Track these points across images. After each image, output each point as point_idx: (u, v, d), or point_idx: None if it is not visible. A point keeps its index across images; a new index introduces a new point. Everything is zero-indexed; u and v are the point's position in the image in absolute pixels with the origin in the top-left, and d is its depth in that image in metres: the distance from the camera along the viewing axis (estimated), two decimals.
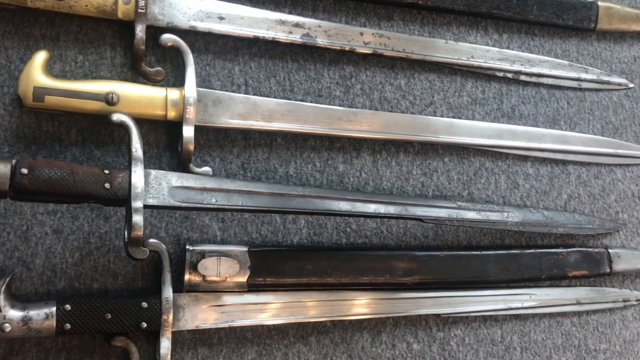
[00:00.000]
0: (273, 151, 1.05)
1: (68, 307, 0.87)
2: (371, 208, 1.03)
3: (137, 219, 0.86)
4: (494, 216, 1.14)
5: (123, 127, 0.92)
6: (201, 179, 0.95)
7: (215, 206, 0.94)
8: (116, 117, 0.89)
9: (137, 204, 0.86)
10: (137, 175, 0.88)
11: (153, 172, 0.92)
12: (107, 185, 0.86)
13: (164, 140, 0.98)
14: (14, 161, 0.82)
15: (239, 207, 0.96)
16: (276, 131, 1.03)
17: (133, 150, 0.90)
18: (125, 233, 0.88)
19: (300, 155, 1.06)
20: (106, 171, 0.87)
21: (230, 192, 0.96)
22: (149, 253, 0.89)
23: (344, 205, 1.02)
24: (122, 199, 0.88)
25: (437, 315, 1.10)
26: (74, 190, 0.85)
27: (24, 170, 0.82)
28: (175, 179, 0.93)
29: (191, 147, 0.96)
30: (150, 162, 0.97)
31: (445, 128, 1.14)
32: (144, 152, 0.96)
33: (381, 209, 1.04)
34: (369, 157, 1.11)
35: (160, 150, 0.98)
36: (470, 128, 1.16)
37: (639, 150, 1.29)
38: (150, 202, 0.90)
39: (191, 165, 0.97)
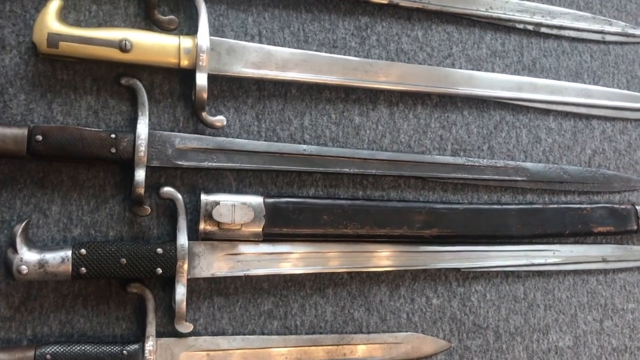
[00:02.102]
0: (288, 102, 1.04)
1: (83, 251, 0.88)
2: (370, 169, 1.04)
3: (139, 180, 0.91)
4: (507, 172, 1.12)
5: (131, 88, 0.95)
6: (204, 139, 0.97)
7: (216, 166, 0.97)
8: (124, 80, 0.94)
9: (139, 168, 0.91)
10: (141, 140, 0.92)
11: (158, 134, 0.95)
12: (113, 149, 0.91)
13: (178, 90, 0.98)
14: (30, 126, 0.88)
15: (239, 167, 0.99)
16: (290, 81, 1.02)
17: (139, 112, 0.94)
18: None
19: (315, 106, 1.05)
20: (112, 135, 0.92)
21: (231, 152, 0.98)
22: (149, 211, 0.93)
23: (342, 165, 1.02)
24: (127, 161, 0.92)
25: (457, 270, 1.08)
26: (83, 154, 0.91)
27: (39, 137, 0.89)
28: (179, 140, 0.96)
29: (204, 95, 0.95)
30: (165, 111, 0.97)
31: (464, 80, 1.12)
32: (159, 102, 0.97)
33: (380, 169, 1.05)
34: (386, 109, 1.09)
35: (174, 100, 0.98)
36: (490, 80, 1.13)
37: None
38: (154, 163, 0.94)
39: (204, 113, 0.96)
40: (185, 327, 0.92)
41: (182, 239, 0.92)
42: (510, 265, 1.10)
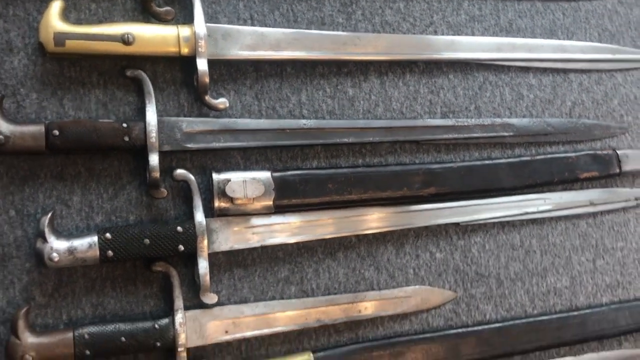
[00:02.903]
0: (284, 80, 1.09)
1: (108, 235, 0.93)
2: (367, 137, 1.10)
3: (153, 164, 0.96)
4: (494, 129, 1.19)
5: (136, 79, 1.00)
6: (209, 122, 1.03)
7: (223, 146, 1.03)
8: (129, 72, 0.99)
9: (152, 153, 0.96)
10: (151, 126, 0.97)
11: (166, 119, 1.00)
12: (126, 138, 0.97)
13: (180, 77, 1.03)
14: (46, 123, 0.93)
15: (245, 145, 1.04)
16: (285, 60, 1.07)
17: (146, 101, 0.99)
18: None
19: (311, 82, 1.11)
20: (124, 125, 0.97)
21: (236, 132, 1.04)
22: (166, 194, 0.99)
23: (341, 136, 1.09)
24: (140, 148, 0.97)
25: (456, 224, 1.15)
26: (98, 145, 0.96)
27: (56, 132, 0.94)
28: (186, 124, 1.01)
29: (206, 79, 1.00)
30: (170, 98, 1.02)
31: (446, 45, 1.18)
32: (163, 90, 1.02)
33: (377, 137, 1.11)
34: (377, 79, 1.15)
35: (177, 87, 1.03)
36: (471, 44, 1.20)
37: (637, 54, 1.33)
38: (165, 148, 0.99)
39: (207, 97, 1.02)
40: (211, 298, 0.98)
41: (200, 216, 0.98)
42: (505, 215, 1.17)
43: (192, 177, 0.99)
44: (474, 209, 1.16)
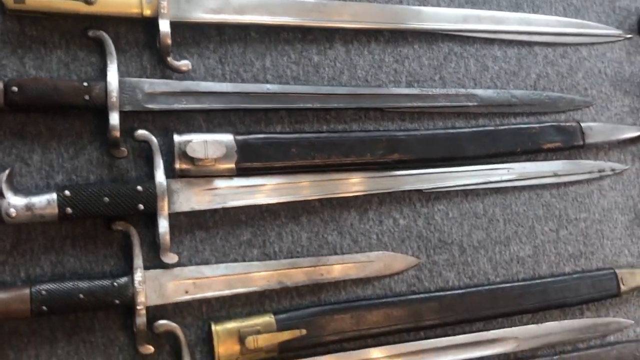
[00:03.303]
0: (248, 45, 1.10)
1: (68, 193, 0.93)
2: (332, 103, 1.11)
3: (114, 123, 0.96)
4: (459, 99, 1.20)
5: (99, 40, 1.00)
6: (171, 83, 1.03)
7: (185, 107, 1.03)
8: (91, 32, 0.99)
9: (113, 112, 0.96)
10: (112, 85, 0.97)
11: (127, 80, 1.00)
12: (86, 96, 0.97)
13: (143, 39, 1.03)
14: (5, 80, 0.93)
15: (208, 107, 1.05)
16: (249, 24, 1.08)
17: (108, 61, 0.98)
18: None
19: (275, 48, 1.11)
20: (85, 84, 0.97)
21: (199, 94, 1.04)
22: (127, 153, 0.99)
23: (305, 101, 1.09)
24: (101, 107, 0.97)
25: (420, 192, 1.16)
26: (58, 103, 0.96)
27: (14, 89, 0.94)
28: (148, 85, 1.02)
29: (169, 40, 1.01)
30: (132, 60, 1.02)
31: (412, 15, 1.19)
32: (125, 52, 1.02)
33: (341, 103, 1.12)
34: (342, 47, 1.16)
35: (140, 49, 1.03)
36: (437, 14, 1.21)
37: (602, 29, 1.35)
38: (127, 108, 0.99)
39: (170, 59, 1.02)
40: (171, 257, 0.98)
41: (160, 176, 0.98)
42: (468, 184, 1.19)
43: (152, 137, 0.99)
44: (438, 177, 1.17)
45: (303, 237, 1.09)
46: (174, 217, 1.01)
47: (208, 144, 1.01)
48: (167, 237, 0.97)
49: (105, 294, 0.94)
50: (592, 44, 1.34)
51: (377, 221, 1.14)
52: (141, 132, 0.99)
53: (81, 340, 0.96)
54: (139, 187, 0.97)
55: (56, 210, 0.92)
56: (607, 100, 1.34)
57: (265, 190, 1.05)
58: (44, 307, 0.90)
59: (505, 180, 1.21)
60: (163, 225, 0.97)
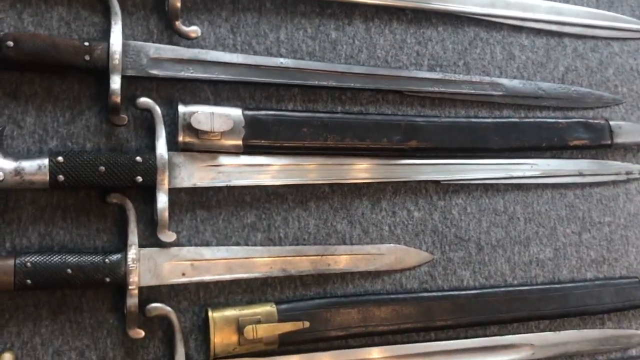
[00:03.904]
0: (262, 16, 1.03)
1: (61, 159, 0.86)
2: (348, 83, 1.04)
3: (115, 87, 0.89)
4: (483, 87, 1.13)
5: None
6: (178, 50, 0.96)
7: (191, 76, 0.96)
8: None
9: (115, 75, 0.89)
10: (115, 47, 0.90)
11: (132, 43, 0.93)
12: (87, 57, 0.90)
13: (151, 2, 0.97)
14: (0, 34, 0.86)
15: (216, 78, 0.97)
16: None
17: (112, 22, 0.92)
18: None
19: (291, 20, 1.04)
20: (86, 43, 0.90)
21: (207, 63, 0.97)
22: (127, 120, 0.92)
23: (320, 79, 1.02)
24: (102, 69, 0.90)
25: (437, 183, 1.08)
26: (56, 61, 0.88)
27: (10, 43, 0.86)
28: (153, 50, 0.94)
29: (178, 3, 0.94)
30: (138, 23, 0.96)
31: None
32: (132, 14, 0.96)
33: (358, 83, 1.05)
34: (362, 24, 1.09)
35: (147, 12, 0.96)
36: None
37: (636, 24, 1.27)
38: (129, 73, 0.92)
39: (178, 23, 0.95)
40: (168, 236, 0.91)
41: (161, 147, 0.91)
42: (489, 177, 1.11)
43: (155, 105, 0.92)
44: (458, 168, 1.09)
45: (310, 224, 1.02)
46: (174, 193, 0.94)
47: (215, 117, 0.94)
48: (166, 214, 0.90)
49: (96, 271, 0.86)
50: (625, 39, 1.27)
51: (390, 212, 1.06)
52: (144, 100, 0.92)
53: (67, 320, 0.89)
54: (138, 158, 0.90)
55: (47, 177, 0.85)
56: (638, 99, 1.26)
57: (272, 171, 0.98)
58: (29, 281, 0.83)
59: (528, 176, 1.14)
60: (162, 200, 0.90)
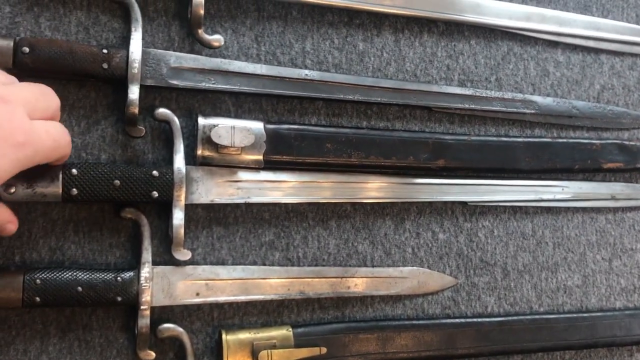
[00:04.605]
0: (288, 25, 0.99)
1: (75, 171, 0.82)
2: (375, 97, 1.00)
3: (133, 97, 0.85)
4: (515, 105, 1.08)
5: (124, 4, 0.89)
6: (200, 59, 0.92)
7: (213, 87, 0.91)
8: None
9: (133, 84, 0.86)
10: (135, 55, 0.86)
11: (152, 51, 0.89)
12: (105, 65, 0.86)
13: (173, 8, 0.92)
14: (16, 39, 0.82)
15: (238, 90, 0.93)
16: (291, 1, 0.96)
17: (132, 29, 0.88)
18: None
19: (318, 30, 1.00)
20: (104, 51, 0.86)
21: (229, 74, 0.93)
22: (144, 132, 0.89)
23: (346, 92, 0.98)
24: (120, 78, 0.86)
25: (464, 204, 1.04)
26: (73, 69, 0.85)
27: (26, 49, 0.83)
28: (174, 59, 0.90)
29: (201, 10, 0.90)
30: (159, 30, 0.91)
31: (471, 7, 1.07)
32: (153, 20, 0.92)
33: (385, 97, 1.00)
34: (391, 35, 1.04)
35: (169, 19, 0.92)
36: (498, 9, 1.09)
37: None
38: (148, 82, 0.88)
39: (201, 31, 0.91)
40: (183, 254, 0.87)
41: (179, 161, 0.87)
42: (518, 200, 1.06)
43: (174, 117, 0.88)
44: (485, 189, 1.05)
45: (331, 244, 0.98)
46: (190, 209, 0.90)
47: (235, 131, 0.90)
48: (182, 231, 0.86)
49: (107, 289, 0.83)
50: None
51: (414, 233, 1.02)
52: (162, 111, 0.88)
53: (76, 338, 0.85)
54: (155, 172, 0.86)
55: (60, 190, 0.81)
56: None
57: (294, 188, 0.94)
58: (37, 298, 0.79)
59: (558, 199, 1.09)
60: (178, 216, 0.86)
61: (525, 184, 1.08)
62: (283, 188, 0.94)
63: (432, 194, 1.02)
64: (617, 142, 1.14)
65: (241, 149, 0.91)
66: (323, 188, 0.96)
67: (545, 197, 1.09)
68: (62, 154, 0.77)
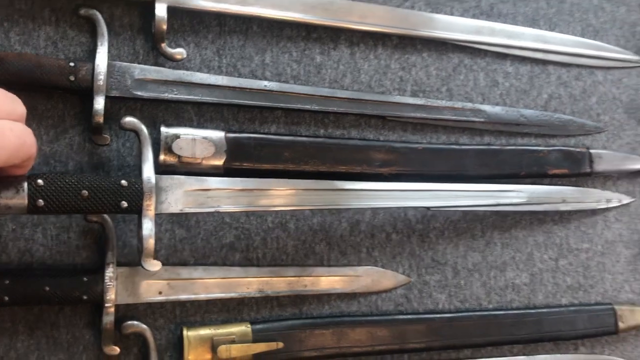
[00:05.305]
0: (248, 38, 1.04)
1: (40, 182, 0.82)
2: (332, 107, 1.05)
3: (98, 108, 0.90)
4: (465, 113, 1.15)
5: (91, 19, 0.94)
6: (163, 71, 0.97)
7: (176, 98, 0.96)
8: (83, 10, 0.94)
9: (98, 95, 0.90)
10: (100, 68, 0.91)
11: (117, 64, 0.94)
12: (71, 77, 0.90)
13: (138, 23, 0.98)
14: None
15: (200, 100, 0.98)
16: (251, 16, 1.02)
17: (98, 43, 0.93)
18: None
19: (277, 44, 1.06)
20: (71, 64, 0.91)
21: (192, 85, 0.98)
22: (109, 140, 0.93)
23: (303, 102, 1.03)
24: (86, 90, 0.91)
25: (415, 207, 1.10)
26: (41, 81, 0.89)
27: None
28: (138, 71, 0.95)
29: (164, 26, 0.95)
30: (125, 44, 0.97)
31: (423, 22, 1.13)
32: (118, 34, 0.97)
33: (342, 107, 1.06)
34: (347, 49, 1.10)
35: (134, 33, 0.98)
36: (449, 23, 1.15)
37: (620, 53, 1.29)
38: (114, 93, 0.93)
39: (164, 45, 0.96)
40: (153, 264, 0.86)
41: (148, 171, 0.88)
42: (476, 205, 1.10)
43: (142, 125, 0.91)
44: (447, 195, 1.06)
45: (289, 245, 1.03)
46: (158, 215, 0.95)
47: (196, 143, 0.95)
48: (152, 242, 0.86)
49: (73, 288, 0.88)
50: (609, 68, 1.28)
51: (369, 234, 1.08)
52: (129, 120, 0.90)
53: (44, 335, 0.90)
54: (124, 182, 0.87)
55: (26, 202, 0.81)
56: (620, 128, 1.27)
57: (260, 196, 0.95)
58: (6, 297, 0.85)
59: (515, 203, 1.14)
60: (148, 227, 0.86)
61: (483, 189, 1.11)
62: (252, 196, 0.96)
63: (395, 200, 1.04)
64: (563, 149, 1.21)
65: (201, 159, 0.96)
66: (287, 196, 0.97)
67: (502, 201, 1.14)
68: (27, 154, 0.75)
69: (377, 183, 1.04)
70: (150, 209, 0.88)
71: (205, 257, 0.99)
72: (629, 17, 1.31)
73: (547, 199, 1.19)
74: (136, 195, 0.88)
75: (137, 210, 0.88)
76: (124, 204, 0.87)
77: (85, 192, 0.85)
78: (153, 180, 0.89)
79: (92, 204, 0.86)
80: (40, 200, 0.82)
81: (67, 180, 0.85)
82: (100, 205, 0.86)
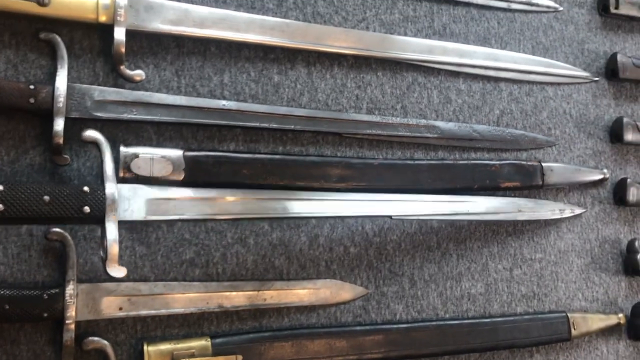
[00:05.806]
0: (207, 59, 1.08)
1: (1, 187, 0.84)
2: (289, 125, 1.08)
3: (58, 129, 0.92)
4: (419, 130, 1.19)
5: (51, 43, 0.97)
6: (122, 92, 1.00)
7: (135, 118, 0.99)
8: (43, 34, 0.97)
9: (58, 117, 0.93)
10: (60, 90, 0.94)
11: (77, 86, 0.97)
12: (31, 100, 0.93)
13: (98, 46, 1.01)
14: None
15: (159, 120, 1.01)
16: (209, 38, 1.06)
17: (58, 65, 0.95)
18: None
19: (235, 64, 1.09)
20: (31, 86, 0.94)
21: (150, 105, 1.01)
22: (69, 160, 0.95)
23: (261, 121, 1.06)
24: (46, 112, 0.93)
25: (372, 220, 1.14)
26: (1, 104, 0.91)
27: None
28: (98, 93, 0.98)
29: (122, 49, 0.99)
30: (85, 66, 1.00)
31: (378, 42, 1.18)
32: (79, 57, 1.00)
33: (299, 125, 1.09)
34: (304, 69, 1.14)
35: (94, 56, 1.01)
36: (403, 43, 1.20)
37: (569, 70, 1.35)
38: (74, 115, 0.96)
39: (123, 67, 0.99)
40: (119, 270, 0.88)
41: (110, 178, 0.91)
42: (437, 214, 1.14)
43: (101, 135, 0.93)
44: (405, 205, 1.11)
45: (249, 260, 1.06)
46: (121, 223, 0.96)
47: (154, 162, 0.98)
48: (116, 247, 0.88)
49: (34, 306, 0.90)
50: (559, 84, 1.34)
51: (328, 248, 1.12)
52: (90, 133, 0.93)
53: (4, 352, 0.92)
54: (86, 188, 0.89)
55: None
56: (571, 142, 1.33)
57: (222, 204, 1.00)
58: None
59: (472, 212, 1.18)
60: (112, 232, 0.89)
61: (440, 200, 1.16)
62: (212, 205, 1.00)
63: (359, 209, 1.08)
64: (515, 162, 1.26)
65: (159, 177, 0.99)
66: (247, 204, 1.02)
67: (460, 210, 1.18)
68: None
69: (340, 193, 1.08)
70: (113, 214, 0.90)
71: (165, 273, 1.01)
72: (577, 35, 1.38)
73: (503, 209, 1.24)
74: (99, 201, 0.90)
75: (100, 216, 0.90)
76: (87, 209, 0.89)
77: (47, 197, 0.87)
78: (115, 185, 0.91)
79: (54, 209, 0.87)
80: (1, 205, 0.83)
81: (28, 186, 0.86)
82: (63, 211, 0.87)
